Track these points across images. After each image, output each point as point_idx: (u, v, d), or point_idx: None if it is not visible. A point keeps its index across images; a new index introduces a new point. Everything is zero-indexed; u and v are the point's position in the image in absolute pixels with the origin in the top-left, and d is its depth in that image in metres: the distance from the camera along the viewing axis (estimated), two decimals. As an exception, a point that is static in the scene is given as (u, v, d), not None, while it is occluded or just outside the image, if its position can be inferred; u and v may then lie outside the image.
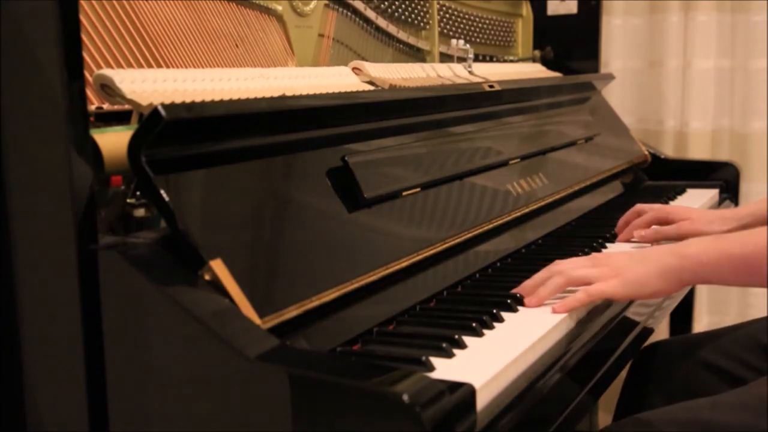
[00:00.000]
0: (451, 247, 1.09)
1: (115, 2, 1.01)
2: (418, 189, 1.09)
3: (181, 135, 0.79)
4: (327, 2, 1.39)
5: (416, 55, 1.64)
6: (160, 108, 0.74)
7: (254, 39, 1.24)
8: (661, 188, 1.82)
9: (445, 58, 1.70)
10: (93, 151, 0.77)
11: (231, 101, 0.88)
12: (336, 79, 1.24)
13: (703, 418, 1.00)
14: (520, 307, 0.96)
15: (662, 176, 1.93)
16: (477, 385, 0.70)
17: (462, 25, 1.80)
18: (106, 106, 0.93)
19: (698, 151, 2.10)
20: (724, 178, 1.87)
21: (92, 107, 0.93)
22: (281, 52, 1.29)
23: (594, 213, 1.56)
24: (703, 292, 2.17)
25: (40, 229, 0.74)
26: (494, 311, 0.92)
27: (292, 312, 0.80)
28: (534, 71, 1.94)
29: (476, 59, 1.73)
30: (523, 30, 2.07)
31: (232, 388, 0.67)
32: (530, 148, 1.43)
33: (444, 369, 0.76)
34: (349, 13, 1.45)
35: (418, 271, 1.02)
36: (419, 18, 1.63)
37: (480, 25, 1.88)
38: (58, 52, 0.70)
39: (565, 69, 2.03)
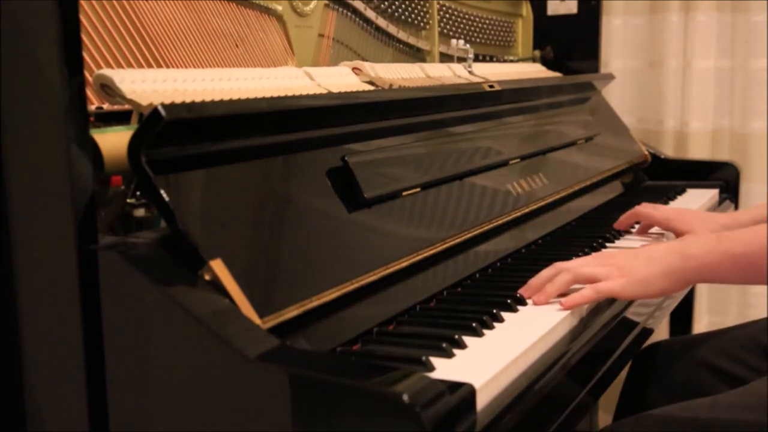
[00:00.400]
0: (451, 247, 1.09)
1: (115, 2, 1.01)
2: (418, 189, 1.09)
3: (181, 135, 0.79)
4: (327, 2, 1.39)
5: (416, 55, 1.64)
6: (160, 108, 0.74)
7: (254, 39, 1.24)
8: (661, 188, 1.82)
9: (445, 58, 1.70)
10: (93, 151, 0.77)
11: (231, 101, 0.88)
12: (336, 79, 1.24)
13: (702, 417, 1.00)
14: (520, 307, 0.96)
15: (662, 176, 1.93)
16: (477, 385, 0.70)
17: (462, 25, 1.80)
18: (106, 106, 0.93)
19: (698, 151, 2.10)
20: (724, 178, 1.87)
21: (92, 107, 0.93)
22: (281, 52, 1.29)
23: (594, 213, 1.56)
24: (703, 292, 2.17)
25: (40, 229, 0.74)
26: (494, 311, 0.92)
27: (292, 312, 0.80)
28: (534, 71, 1.94)
29: (476, 59, 1.73)
30: (523, 30, 2.07)
31: (232, 388, 0.67)
32: (530, 148, 1.43)
33: (444, 369, 0.76)
34: (349, 13, 1.45)
35: (418, 271, 1.02)
36: (419, 18, 1.63)
37: (480, 25, 1.88)
38: (58, 51, 0.70)
39: (565, 69, 2.03)
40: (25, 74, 0.72)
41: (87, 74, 0.92)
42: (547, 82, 1.78)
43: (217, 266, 0.74)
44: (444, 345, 0.80)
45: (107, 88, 0.90)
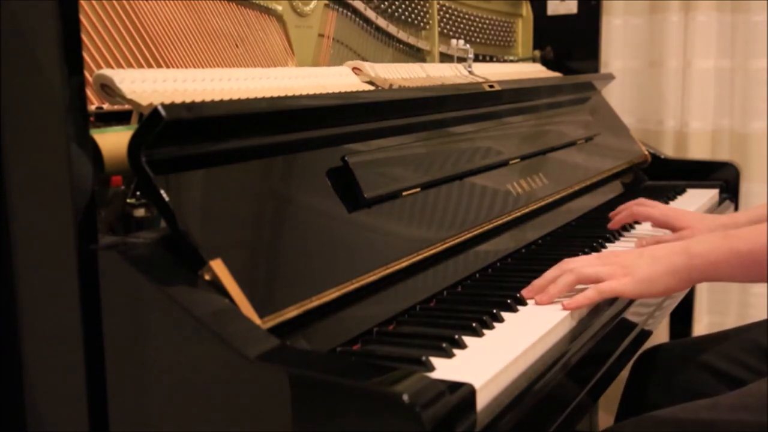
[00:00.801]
0: (451, 247, 1.09)
1: (115, 2, 1.01)
2: (418, 189, 1.09)
3: (181, 135, 0.79)
4: (327, 2, 1.39)
5: (416, 55, 1.64)
6: (160, 108, 0.74)
7: (254, 39, 1.24)
8: (661, 188, 1.82)
9: (445, 58, 1.70)
10: (93, 151, 0.77)
11: (231, 101, 0.88)
12: (336, 79, 1.24)
13: (703, 419, 1.00)
14: (520, 307, 0.96)
15: (662, 176, 1.93)
16: (477, 385, 0.70)
17: (462, 25, 1.80)
18: (106, 106, 0.93)
19: (698, 151, 2.10)
20: (724, 178, 1.87)
21: (92, 107, 0.93)
22: (281, 52, 1.29)
23: (594, 213, 1.56)
24: (703, 292, 2.17)
25: (40, 229, 0.74)
26: (494, 311, 0.92)
27: (292, 312, 0.80)
28: (534, 71, 1.94)
29: (476, 59, 1.73)
30: (523, 30, 2.07)
31: (232, 388, 0.67)
32: (530, 148, 1.43)
33: (444, 369, 0.76)
34: (349, 13, 1.45)
35: (418, 271, 1.02)
36: (419, 18, 1.63)
37: (480, 25, 1.88)
38: (58, 51, 0.70)
39: (565, 69, 2.03)
40: (25, 74, 0.72)
41: (87, 74, 0.92)
42: (547, 82, 1.78)
43: (217, 266, 0.74)
44: (444, 345, 0.80)
45: (107, 88, 0.90)
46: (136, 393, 0.72)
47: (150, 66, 1.05)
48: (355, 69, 1.31)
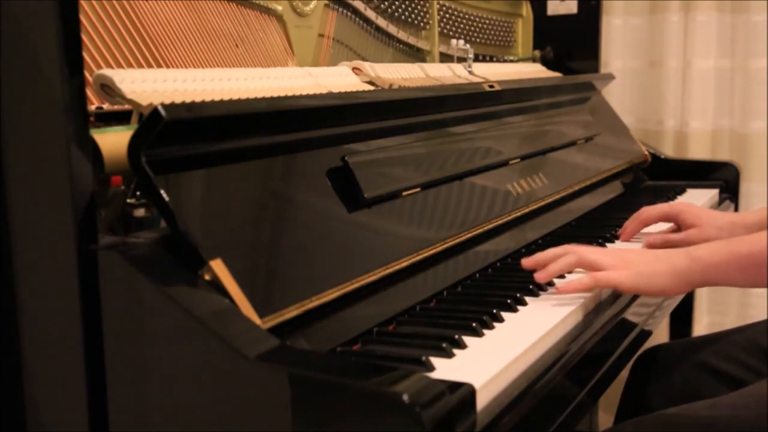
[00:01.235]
0: (451, 247, 1.09)
1: (115, 2, 1.01)
2: (418, 189, 1.09)
3: (181, 135, 0.79)
4: (327, 2, 1.39)
5: (416, 55, 1.64)
6: (160, 108, 0.74)
7: (254, 39, 1.24)
8: (661, 188, 1.82)
9: (445, 58, 1.70)
10: (93, 151, 0.77)
11: (231, 101, 0.88)
12: (336, 79, 1.24)
13: (703, 419, 1.00)
14: (520, 307, 0.96)
15: (662, 176, 1.93)
16: (477, 385, 0.70)
17: (462, 25, 1.80)
18: (106, 106, 0.93)
19: (698, 151, 2.10)
20: (724, 178, 1.87)
21: (92, 107, 0.93)
22: (281, 52, 1.29)
23: (594, 213, 1.56)
24: (703, 292, 2.17)
25: (40, 229, 0.74)
26: (494, 311, 0.92)
27: (292, 312, 0.80)
28: (534, 71, 1.94)
29: (476, 59, 1.73)
30: (523, 30, 2.07)
31: (232, 388, 0.67)
32: (530, 148, 1.43)
33: (444, 369, 0.76)
34: (349, 13, 1.45)
35: (418, 271, 1.02)
36: (419, 18, 1.63)
37: (480, 25, 1.88)
38: (58, 52, 0.70)
39: (565, 69, 2.03)
40: (25, 74, 0.72)
41: (87, 74, 0.92)
42: (547, 82, 1.78)
43: (217, 266, 0.74)
44: (444, 345, 0.80)
45: (107, 88, 0.90)
46: (136, 393, 0.72)
47: (150, 66, 1.05)
48: (355, 69, 1.31)
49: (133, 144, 0.75)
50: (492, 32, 1.93)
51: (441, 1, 1.71)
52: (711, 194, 1.77)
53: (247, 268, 0.79)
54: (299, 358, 0.69)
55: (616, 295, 1.04)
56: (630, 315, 1.04)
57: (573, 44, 2.06)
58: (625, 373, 1.25)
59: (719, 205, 1.77)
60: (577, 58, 2.06)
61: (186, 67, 1.09)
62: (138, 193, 0.84)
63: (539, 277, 0.99)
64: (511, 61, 2.02)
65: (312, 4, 1.35)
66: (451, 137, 1.26)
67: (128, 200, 0.84)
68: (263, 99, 1.00)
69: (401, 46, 1.59)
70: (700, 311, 2.16)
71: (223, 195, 0.83)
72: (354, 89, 1.24)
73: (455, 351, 0.81)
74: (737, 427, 0.98)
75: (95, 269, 0.72)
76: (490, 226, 1.19)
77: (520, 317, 0.94)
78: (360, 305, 0.90)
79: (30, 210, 0.74)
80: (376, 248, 0.96)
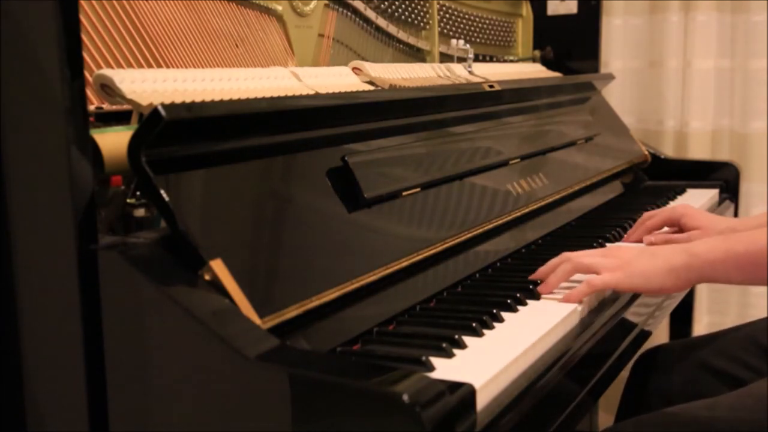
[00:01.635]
0: (451, 247, 1.09)
1: (115, 2, 1.01)
2: (418, 189, 1.09)
3: (181, 135, 0.79)
4: (327, 2, 1.39)
5: (416, 55, 1.64)
6: (160, 108, 0.74)
7: (254, 39, 1.24)
8: (661, 188, 1.82)
9: (445, 58, 1.70)
10: (93, 151, 0.77)
11: (231, 101, 0.88)
12: (336, 79, 1.24)
13: (703, 419, 1.00)
14: (520, 307, 0.96)
15: (662, 176, 1.93)
16: (477, 385, 0.70)
17: (462, 25, 1.80)
18: (106, 106, 0.93)
19: (698, 151, 2.10)
20: (724, 178, 1.87)
21: (92, 107, 0.92)
22: (281, 52, 1.29)
23: (594, 213, 1.56)
24: (703, 292, 2.17)
25: (40, 229, 0.74)
26: (494, 311, 0.92)
27: (292, 312, 0.80)
28: (534, 71, 1.94)
29: (476, 59, 1.73)
30: (523, 30, 2.07)
31: (232, 387, 0.67)
32: (530, 148, 1.43)
33: (444, 369, 0.76)
34: (349, 13, 1.45)
35: (418, 271, 1.02)
36: (419, 18, 1.63)
37: (480, 25, 1.88)
38: (58, 52, 0.70)
39: (565, 69, 2.03)
40: (25, 74, 0.72)
41: (87, 74, 0.92)
42: (547, 82, 1.78)
43: (217, 266, 0.74)
44: (444, 345, 0.80)
45: (107, 88, 0.90)
46: (136, 393, 0.72)
47: (150, 66, 1.05)
48: (355, 69, 1.31)
49: (133, 144, 0.75)
50: (492, 32, 1.93)
51: (441, 1, 1.71)
52: (711, 194, 1.77)
53: (247, 268, 0.79)
54: (299, 358, 0.69)
55: (616, 294, 1.04)
56: (630, 315, 1.04)
57: (573, 44, 2.06)
58: (625, 373, 1.25)
59: (719, 205, 1.77)
60: (577, 58, 2.06)
61: (186, 67, 1.09)
62: (138, 193, 0.84)
63: (542, 291, 1.00)
64: (511, 61, 2.02)
65: (312, 4, 1.35)
66: (451, 137, 1.26)
67: (128, 200, 0.84)
68: (263, 99, 1.00)
69: (401, 46, 1.59)
70: (700, 311, 2.16)
71: (223, 195, 0.83)
72: (354, 89, 1.23)
73: (455, 351, 0.81)
74: (737, 427, 0.98)
75: (95, 269, 0.72)
76: (490, 226, 1.19)
77: (520, 317, 0.94)
78: (360, 305, 0.90)
79: (30, 210, 0.74)
80: (376, 248, 0.96)
